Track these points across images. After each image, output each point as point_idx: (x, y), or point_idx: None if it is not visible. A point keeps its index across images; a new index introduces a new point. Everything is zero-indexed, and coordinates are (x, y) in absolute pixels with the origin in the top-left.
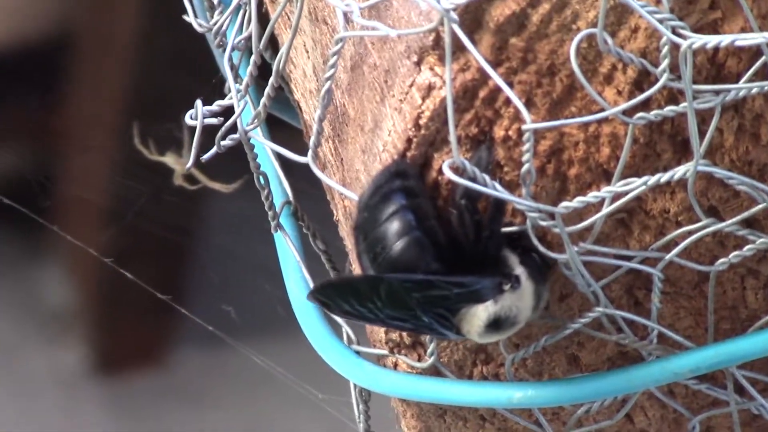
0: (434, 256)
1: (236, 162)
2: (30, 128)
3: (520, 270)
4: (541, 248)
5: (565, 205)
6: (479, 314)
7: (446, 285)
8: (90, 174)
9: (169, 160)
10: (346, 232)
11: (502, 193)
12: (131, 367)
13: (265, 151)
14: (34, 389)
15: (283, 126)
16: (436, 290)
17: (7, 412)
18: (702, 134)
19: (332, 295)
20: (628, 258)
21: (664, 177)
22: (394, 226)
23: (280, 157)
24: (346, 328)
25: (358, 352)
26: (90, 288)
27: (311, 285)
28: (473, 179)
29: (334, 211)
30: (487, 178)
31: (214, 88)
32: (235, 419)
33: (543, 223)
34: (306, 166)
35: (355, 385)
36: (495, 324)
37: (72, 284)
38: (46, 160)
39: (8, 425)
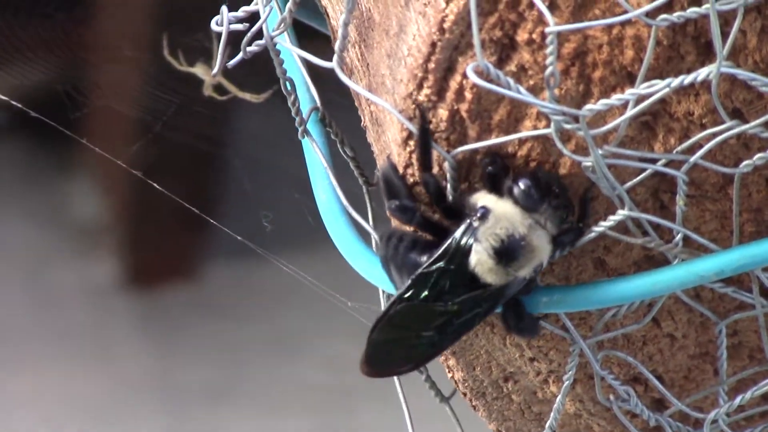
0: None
1: (266, 72)
2: (58, 40)
3: (485, 200)
4: (566, 151)
5: (590, 108)
6: (480, 259)
7: (435, 265)
8: (119, 85)
9: (198, 70)
10: (373, 138)
11: (526, 96)
12: (162, 280)
13: (293, 58)
14: (65, 303)
15: (313, 34)
16: (435, 276)
17: (38, 326)
18: (725, 36)
19: (386, 363)
20: (653, 161)
21: (687, 78)
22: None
23: (308, 65)
24: (374, 236)
25: None
26: (120, 201)
27: (339, 192)
28: (497, 83)
29: (362, 117)
30: (510, 81)
31: None
32: (266, 331)
33: (567, 126)
34: (335, 73)
35: (383, 292)
36: (504, 254)
37: (102, 197)
38: (74, 72)
39: (39, 339)
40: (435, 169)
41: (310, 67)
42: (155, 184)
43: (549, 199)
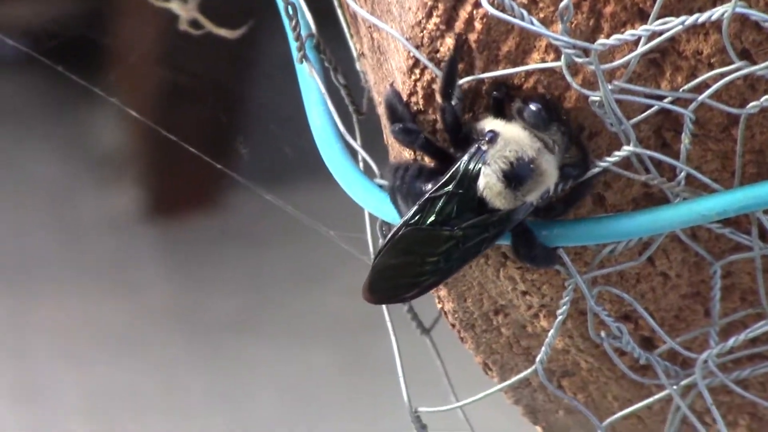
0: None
1: (241, 8)
2: None
3: (492, 124)
4: (576, 85)
5: (602, 42)
6: (489, 182)
7: (442, 190)
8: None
9: (174, 6)
10: (372, 66)
11: (539, 28)
12: (185, 209)
13: None
14: (88, 233)
15: None
16: (442, 201)
17: (61, 256)
18: None
19: (390, 289)
20: (659, 98)
21: (702, 17)
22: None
23: None
24: (370, 162)
25: (381, 186)
26: (144, 136)
27: (336, 117)
28: (510, 13)
29: (359, 46)
30: (524, 12)
31: None
32: (290, 260)
33: (578, 60)
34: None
35: (374, 221)
36: (513, 177)
37: (126, 131)
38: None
39: (62, 269)
40: (439, 99)
41: None
42: (134, 113)
43: (558, 121)
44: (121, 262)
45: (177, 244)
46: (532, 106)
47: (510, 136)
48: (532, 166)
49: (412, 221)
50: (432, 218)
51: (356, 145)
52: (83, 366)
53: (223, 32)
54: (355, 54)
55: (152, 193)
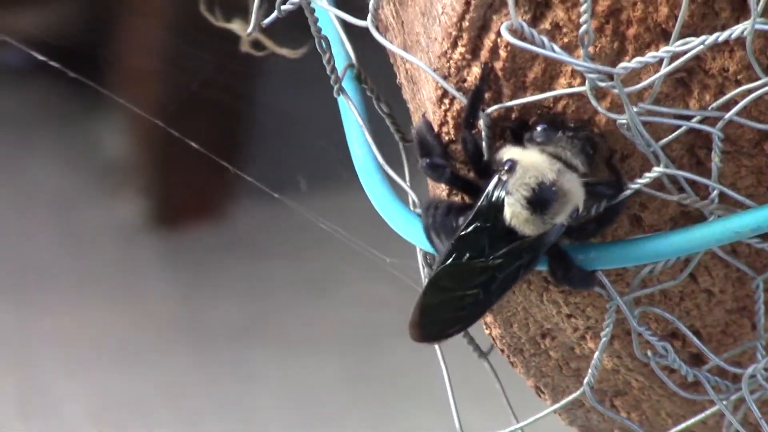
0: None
1: (302, 28)
2: None
3: (510, 152)
4: (601, 109)
5: (624, 66)
6: (515, 211)
7: (471, 226)
8: (151, 42)
9: (235, 26)
10: (408, 95)
11: (560, 54)
12: (190, 219)
13: (328, 16)
14: (93, 242)
15: None
16: (473, 237)
17: (66, 265)
18: None
19: (435, 326)
20: (688, 118)
21: (722, 36)
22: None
23: (344, 22)
24: (410, 193)
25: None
26: (150, 141)
27: (374, 149)
28: (531, 41)
29: (397, 74)
30: (545, 39)
31: None
32: (293, 270)
33: (602, 84)
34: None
35: (420, 249)
36: (537, 202)
37: (131, 141)
38: (105, 28)
39: (67, 278)
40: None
41: (346, 23)
42: (192, 143)
43: (565, 130)
44: (127, 271)
45: (182, 253)
46: (538, 128)
47: (528, 163)
48: (554, 188)
49: (449, 262)
50: (467, 255)
51: (395, 176)
52: (88, 375)
53: (284, 52)
54: None
55: (157, 203)
